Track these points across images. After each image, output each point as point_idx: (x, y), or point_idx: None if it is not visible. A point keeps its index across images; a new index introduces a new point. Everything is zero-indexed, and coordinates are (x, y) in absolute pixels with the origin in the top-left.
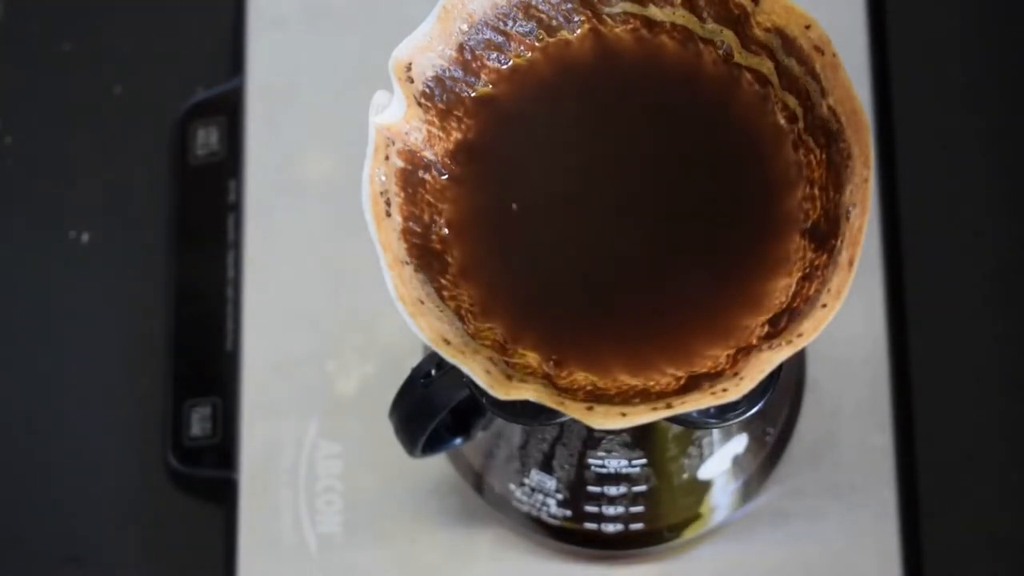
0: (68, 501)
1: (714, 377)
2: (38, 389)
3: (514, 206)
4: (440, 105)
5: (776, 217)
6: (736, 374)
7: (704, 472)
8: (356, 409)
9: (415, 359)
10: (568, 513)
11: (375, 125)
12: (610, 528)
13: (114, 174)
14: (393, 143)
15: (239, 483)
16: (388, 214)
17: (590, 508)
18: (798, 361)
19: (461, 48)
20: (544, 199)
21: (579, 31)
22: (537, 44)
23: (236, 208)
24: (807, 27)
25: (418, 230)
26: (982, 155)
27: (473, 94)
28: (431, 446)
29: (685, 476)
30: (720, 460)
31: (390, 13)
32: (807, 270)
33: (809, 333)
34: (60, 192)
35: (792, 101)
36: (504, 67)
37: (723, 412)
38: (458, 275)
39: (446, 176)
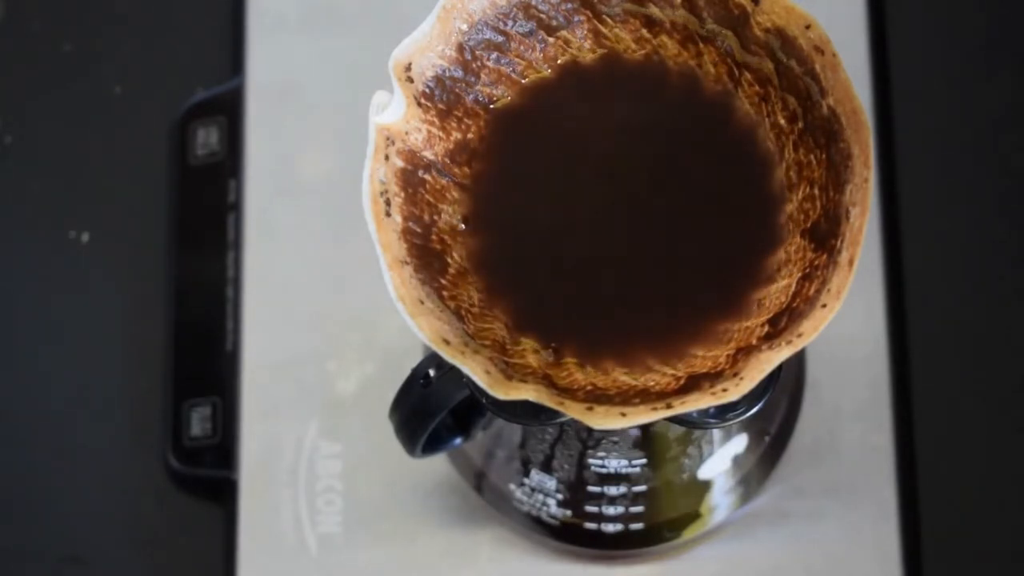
0: (68, 501)
1: (714, 377)
2: (38, 389)
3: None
4: (440, 105)
5: (776, 219)
6: (736, 374)
7: (704, 472)
8: (356, 409)
9: (415, 359)
10: (568, 513)
11: (375, 125)
12: (610, 528)
13: (114, 174)
14: (393, 143)
15: (239, 483)
16: (388, 214)
17: (590, 508)
18: (798, 361)
19: (461, 48)
20: (547, 199)
21: (580, 35)
22: (538, 46)
23: (236, 208)
24: (807, 27)
25: (418, 230)
26: (982, 155)
27: (473, 96)
28: (431, 446)
29: (685, 476)
30: (720, 460)
31: (390, 13)
32: (807, 270)
33: (809, 333)
34: (60, 192)
35: (792, 101)
36: (508, 71)
37: (723, 412)
38: (458, 275)
39: (448, 176)
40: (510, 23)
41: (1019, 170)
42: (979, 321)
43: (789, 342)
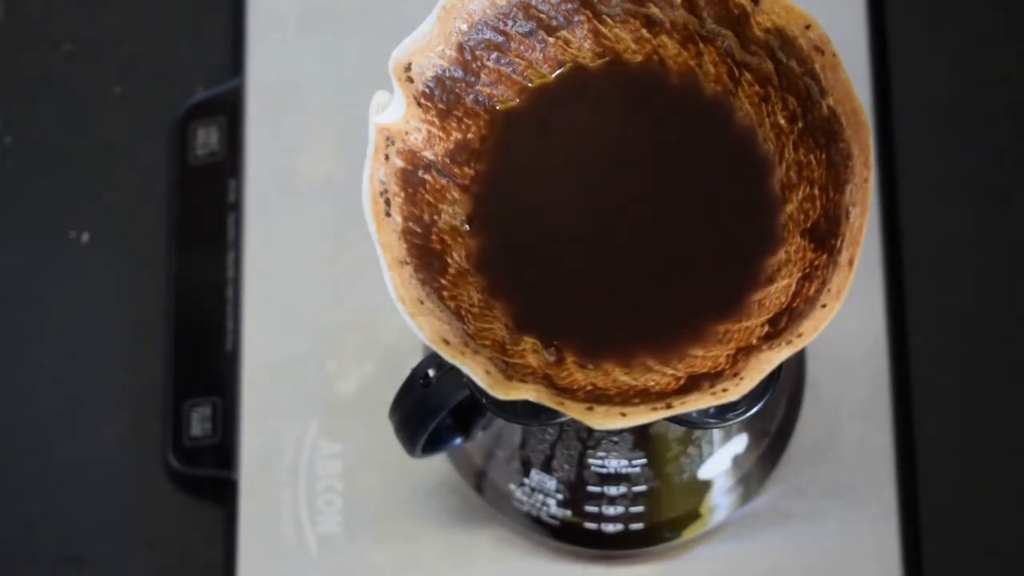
0: (68, 501)
1: (714, 377)
2: (38, 389)
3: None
4: (440, 105)
5: (776, 219)
6: (736, 374)
7: (704, 472)
8: (356, 409)
9: (415, 359)
10: (568, 513)
11: (375, 125)
12: (610, 528)
13: (114, 174)
14: (393, 143)
15: (239, 483)
16: (388, 214)
17: (590, 508)
18: (798, 361)
19: (461, 48)
20: (547, 199)
21: (580, 35)
22: (538, 46)
23: (236, 208)
24: (807, 27)
25: (418, 230)
26: (982, 155)
27: (473, 96)
28: (431, 446)
29: (685, 476)
30: (720, 460)
31: (390, 13)
32: (807, 270)
33: (809, 333)
34: (60, 192)
35: (792, 101)
36: (508, 71)
37: (723, 412)
38: (458, 275)
39: (448, 176)
40: (510, 23)
41: (1019, 170)
42: (979, 321)
43: (789, 342)
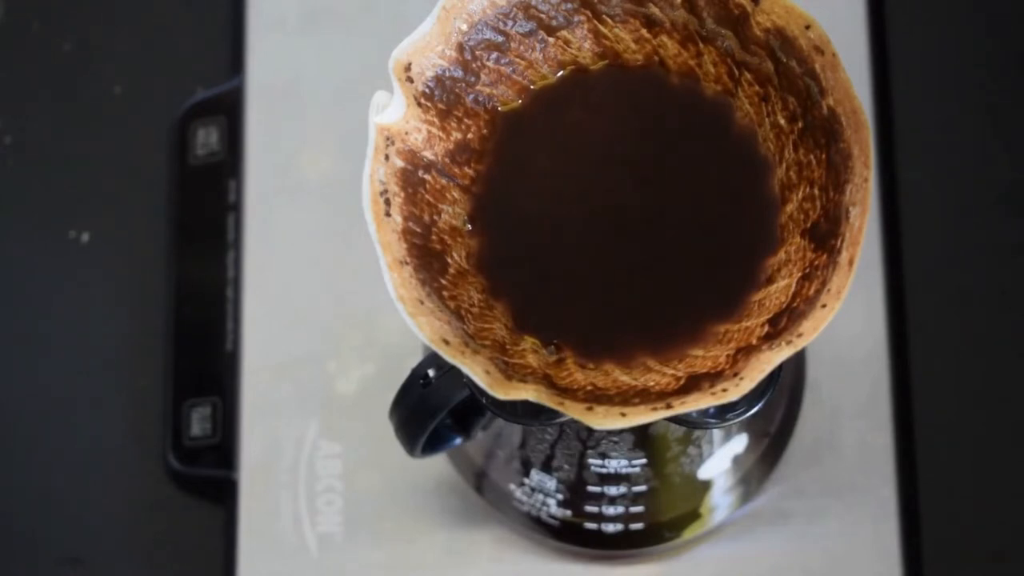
0: (68, 501)
1: (714, 377)
2: (38, 389)
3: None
4: (440, 105)
5: (776, 220)
6: (736, 374)
7: (704, 472)
8: (356, 409)
9: (415, 359)
10: (568, 513)
11: (375, 125)
12: (610, 528)
13: (114, 174)
14: (393, 143)
15: (239, 483)
16: (388, 214)
17: (590, 508)
18: (798, 361)
19: (461, 48)
20: (547, 200)
21: (580, 35)
22: (538, 47)
23: (236, 208)
24: (807, 27)
25: (418, 230)
26: (982, 155)
27: (473, 96)
28: (431, 446)
29: (685, 476)
30: (720, 460)
31: (390, 13)
32: (807, 270)
33: (809, 333)
34: (60, 192)
35: (792, 101)
36: (508, 71)
37: (723, 412)
38: (458, 275)
39: (448, 176)
40: (510, 23)
41: (1019, 170)
42: (979, 321)
43: (789, 342)
